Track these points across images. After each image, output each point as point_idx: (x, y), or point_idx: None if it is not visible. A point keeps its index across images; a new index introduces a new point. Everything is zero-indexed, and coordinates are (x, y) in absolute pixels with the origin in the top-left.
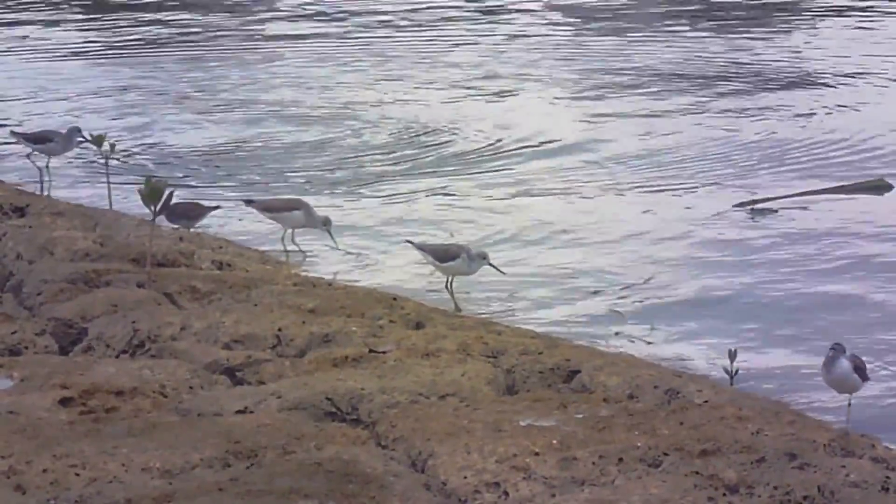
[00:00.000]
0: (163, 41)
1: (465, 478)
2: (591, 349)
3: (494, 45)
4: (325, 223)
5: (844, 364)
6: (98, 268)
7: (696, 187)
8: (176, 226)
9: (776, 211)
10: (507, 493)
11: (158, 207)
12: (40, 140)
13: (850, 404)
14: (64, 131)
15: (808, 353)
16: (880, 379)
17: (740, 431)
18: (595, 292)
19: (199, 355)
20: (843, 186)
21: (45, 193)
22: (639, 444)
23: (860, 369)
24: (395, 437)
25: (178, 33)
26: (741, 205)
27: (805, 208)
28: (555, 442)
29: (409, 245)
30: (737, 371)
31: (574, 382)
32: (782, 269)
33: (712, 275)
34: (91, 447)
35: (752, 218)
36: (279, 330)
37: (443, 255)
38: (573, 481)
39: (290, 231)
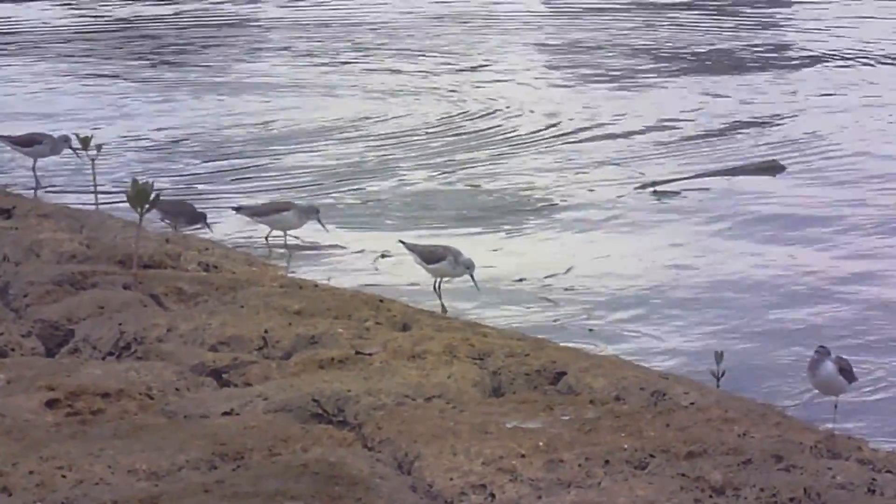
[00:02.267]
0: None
1: (452, 480)
2: (577, 351)
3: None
4: (315, 212)
5: (829, 366)
6: (84, 269)
7: (596, 169)
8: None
9: (678, 192)
10: (493, 495)
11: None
12: (27, 143)
13: (836, 406)
14: (55, 135)
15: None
16: (866, 380)
17: (726, 433)
18: (518, 280)
19: (186, 357)
20: (738, 168)
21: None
22: (625, 446)
23: (846, 371)
24: (381, 438)
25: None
26: (643, 186)
27: (706, 189)
28: (541, 444)
29: (402, 244)
30: (723, 373)
31: (560, 384)
32: (702, 250)
33: (633, 257)
34: (77, 449)
35: (658, 199)
36: (265, 332)
37: (429, 257)
38: (559, 483)
39: (278, 232)
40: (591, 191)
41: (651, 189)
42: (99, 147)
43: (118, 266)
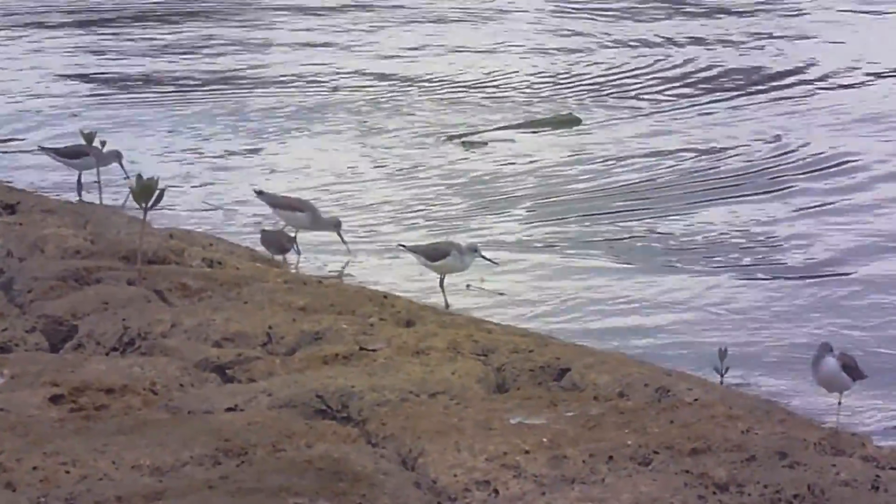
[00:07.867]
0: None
1: (455, 476)
2: (581, 347)
3: None
4: (336, 225)
5: (831, 362)
6: (89, 265)
7: (405, 126)
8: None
9: (486, 143)
10: (497, 492)
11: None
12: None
13: (840, 403)
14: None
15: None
16: (870, 377)
17: (730, 430)
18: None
19: (190, 353)
20: (540, 120)
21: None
22: (629, 443)
23: (850, 367)
24: (385, 434)
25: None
26: (451, 138)
27: (512, 140)
28: (545, 440)
29: (403, 248)
30: (727, 369)
31: (564, 380)
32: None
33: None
34: (81, 445)
35: (468, 150)
36: (270, 328)
37: (433, 254)
38: (563, 479)
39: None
40: (404, 144)
41: (461, 140)
42: (103, 143)
43: (122, 262)
